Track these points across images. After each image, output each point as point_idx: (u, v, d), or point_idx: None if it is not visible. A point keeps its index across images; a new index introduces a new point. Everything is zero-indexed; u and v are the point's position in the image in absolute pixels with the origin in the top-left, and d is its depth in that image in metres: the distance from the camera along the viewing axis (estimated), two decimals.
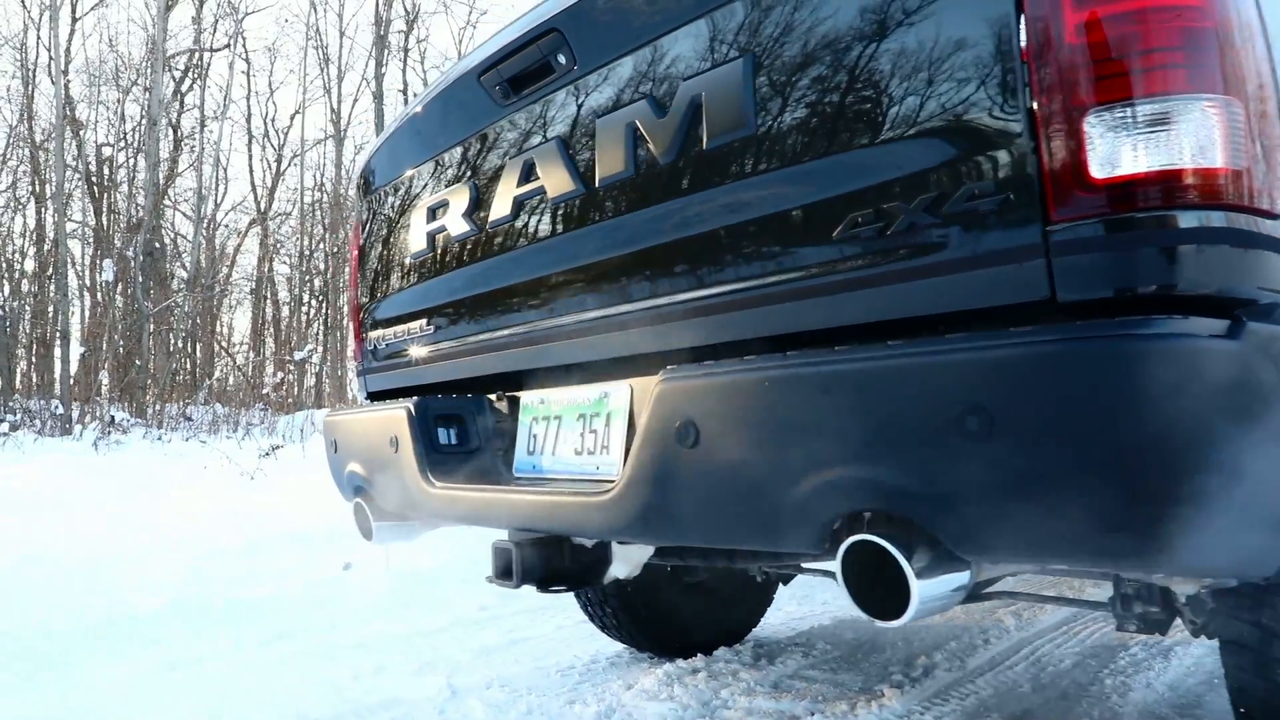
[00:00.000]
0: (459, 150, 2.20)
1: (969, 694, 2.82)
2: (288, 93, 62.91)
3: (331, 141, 26.66)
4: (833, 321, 1.32)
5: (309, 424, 14.33)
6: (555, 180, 1.86)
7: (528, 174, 1.94)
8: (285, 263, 27.81)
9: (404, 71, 28.07)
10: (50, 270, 20.75)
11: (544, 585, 1.93)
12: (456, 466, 2.10)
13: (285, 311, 27.42)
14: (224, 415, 16.34)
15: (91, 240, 22.98)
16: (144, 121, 20.54)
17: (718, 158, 1.53)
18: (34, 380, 20.40)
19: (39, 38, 23.14)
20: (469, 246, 2.15)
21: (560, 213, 1.86)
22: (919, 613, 1.18)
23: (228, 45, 25.73)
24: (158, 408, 15.76)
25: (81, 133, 22.67)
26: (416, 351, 2.36)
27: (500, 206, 2.02)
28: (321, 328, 25.41)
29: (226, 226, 26.69)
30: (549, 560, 1.84)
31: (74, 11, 22.90)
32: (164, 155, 22.16)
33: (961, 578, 1.24)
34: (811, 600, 4.30)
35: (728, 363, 1.40)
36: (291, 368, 21.37)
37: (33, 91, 22.58)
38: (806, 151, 1.39)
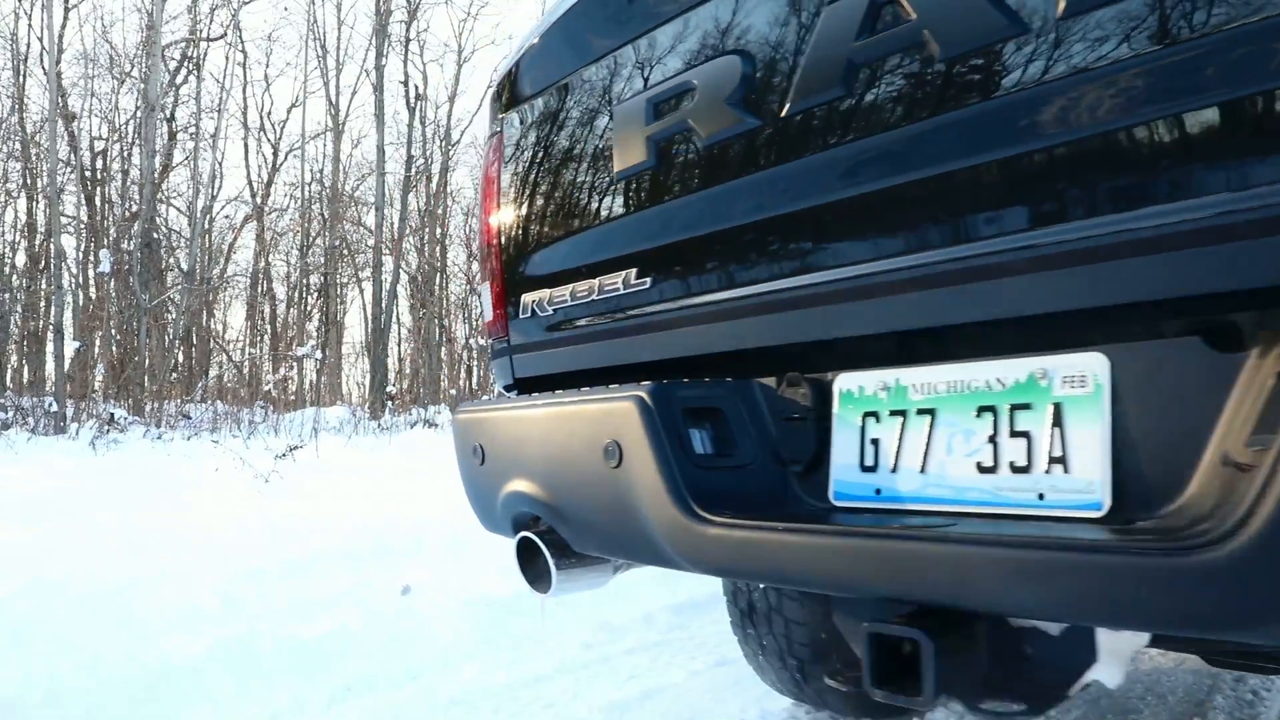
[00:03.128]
0: (709, 6, 1.45)
1: None
2: (284, 85, 61.93)
3: (330, 135, 25.79)
4: None
5: (319, 422, 13.56)
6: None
7: (855, 20, 1.20)
8: (283, 260, 27.02)
9: (405, 63, 27.29)
10: (43, 263, 19.95)
11: (973, 705, 1.18)
12: (722, 489, 1.35)
13: (282, 308, 26.60)
14: (224, 413, 15.58)
15: (84, 234, 22.14)
16: (140, 108, 19.70)
17: None
18: (25, 377, 19.56)
19: (30, 27, 22.32)
20: (739, 150, 1.40)
21: (956, 71, 1.12)
22: None
23: (224, 35, 24.94)
24: (156, 405, 14.97)
25: (75, 124, 21.83)
26: (621, 315, 1.62)
27: (808, 80, 1.27)
28: (323, 324, 24.61)
29: (227, 218, 25.85)
30: (970, 663, 1.08)
31: (66, 0, 22.06)
32: (159, 146, 21.31)
33: None
34: None
35: None
36: (294, 364, 20.59)
37: (24, 82, 21.76)
38: None
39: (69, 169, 21.26)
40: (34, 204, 22.06)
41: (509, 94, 1.94)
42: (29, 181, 22.08)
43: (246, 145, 27.16)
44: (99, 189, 22.50)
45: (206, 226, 23.70)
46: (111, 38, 28.23)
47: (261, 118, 33.37)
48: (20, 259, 22.17)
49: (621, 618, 3.74)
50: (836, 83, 1.24)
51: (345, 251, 25.25)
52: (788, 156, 1.32)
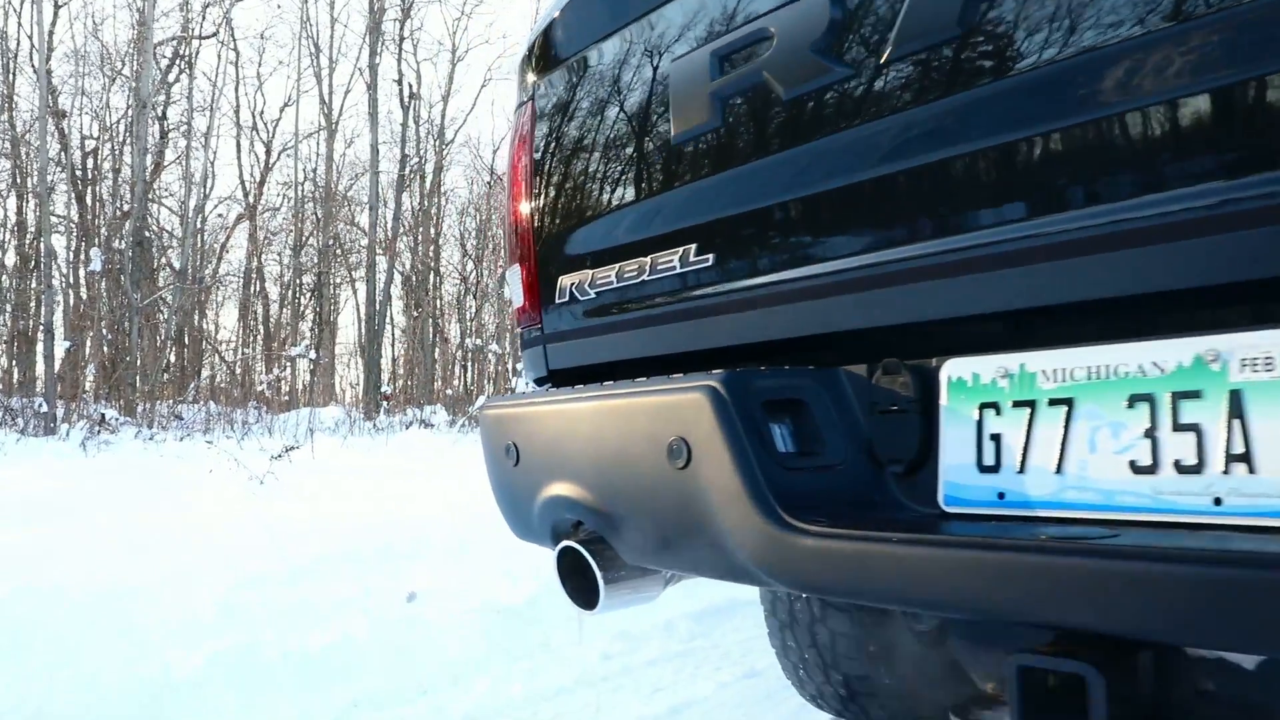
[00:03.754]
0: None
1: None
2: (276, 84, 61.55)
3: (323, 134, 25.53)
4: None
5: (314, 422, 13.36)
6: None
7: None
8: (275, 260, 26.79)
9: (399, 62, 27.09)
10: (33, 263, 19.69)
11: None
12: (810, 493, 1.18)
13: (275, 308, 26.36)
14: (217, 414, 15.36)
15: (75, 233, 21.87)
16: (133, 105, 19.45)
17: None
18: (14, 377, 19.29)
19: (20, 24, 22.06)
20: (827, 105, 1.23)
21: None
22: None
23: (216, 33, 24.70)
24: (148, 406, 14.73)
25: (65, 122, 21.58)
26: (678, 297, 1.45)
27: (915, 19, 1.11)
28: (317, 324, 24.38)
29: (220, 215, 25.60)
30: (1140, 701, 0.90)
31: None
32: (151, 144, 21.06)
33: None
34: None
35: None
36: (288, 364, 20.38)
37: (14, 80, 21.49)
38: None
39: (59, 168, 21.01)
40: (24, 203, 21.81)
41: (543, 56, 1.77)
42: (19, 180, 21.83)
43: (239, 144, 26.82)
44: (89, 188, 22.23)
45: (199, 226, 23.46)
46: (102, 35, 27.94)
47: (254, 116, 33.15)
48: (10, 258, 21.93)
49: (640, 625, 3.57)
50: (951, 21, 1.07)
51: (338, 251, 25.03)
52: (886, 110, 1.15)
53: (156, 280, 20.60)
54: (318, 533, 5.19)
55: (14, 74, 21.55)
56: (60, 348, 14.66)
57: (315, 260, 24.66)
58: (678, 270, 1.44)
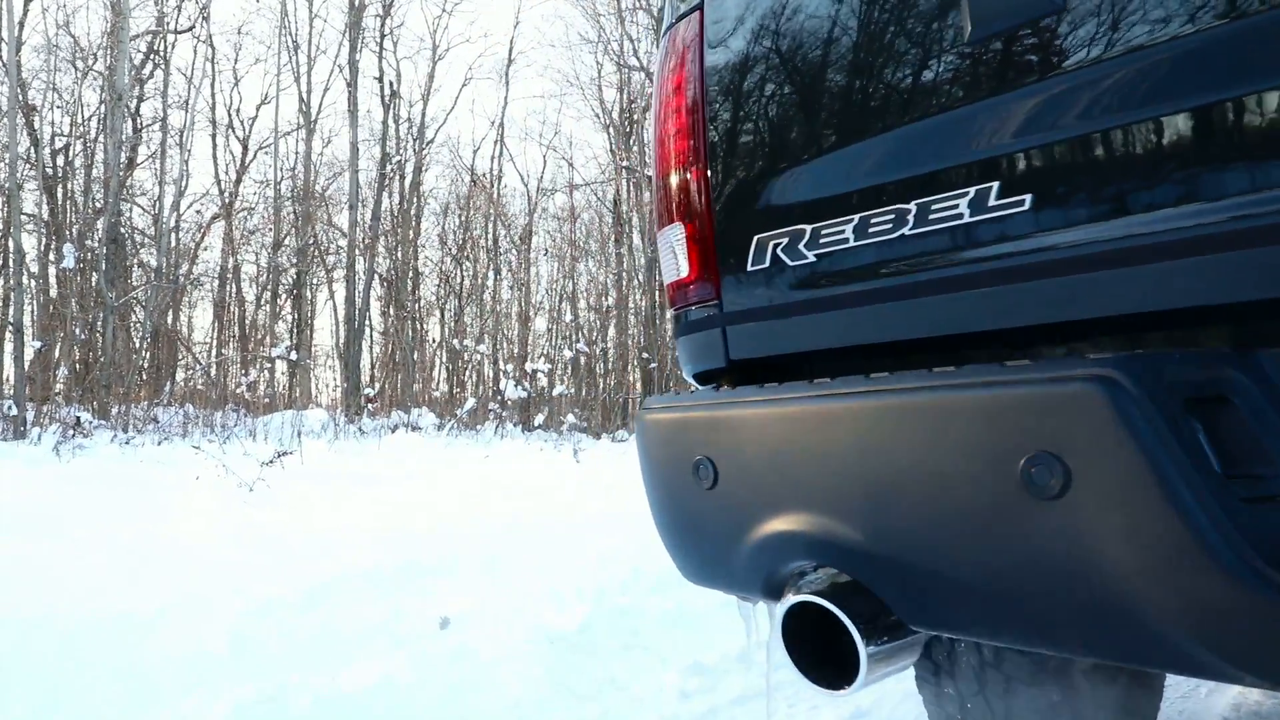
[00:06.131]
0: None
1: None
2: (253, 81, 60.57)
3: (301, 132, 24.89)
4: None
5: (300, 425, 12.84)
6: None
7: None
8: (252, 261, 26.12)
9: (379, 59, 26.56)
10: (2, 262, 18.99)
11: None
12: (1272, 533, 0.78)
13: (251, 309, 25.67)
14: (195, 416, 14.77)
15: (45, 232, 21.12)
16: (106, 99, 18.78)
17: None
18: None
19: None
20: None
21: None
22: None
23: (192, 28, 24.01)
24: (123, 409, 14.12)
25: (35, 116, 20.84)
26: (969, 253, 1.04)
27: None
28: (295, 325, 23.74)
29: (199, 211, 24.90)
30: None
31: None
32: (125, 138, 20.36)
33: None
34: None
35: None
36: (268, 365, 19.78)
37: None
38: None
39: (29, 165, 20.28)
40: None
41: None
42: None
43: (215, 142, 26.04)
44: (60, 185, 21.50)
45: (173, 224, 22.76)
46: (74, 29, 27.13)
47: (230, 115, 32.36)
48: None
49: (710, 655, 3.16)
50: None
51: (315, 252, 24.42)
52: None
53: (130, 279, 19.92)
54: (326, 548, 4.73)
55: None
56: (30, 348, 14.02)
57: (294, 260, 24.06)
58: (966, 219, 1.03)
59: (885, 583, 0.99)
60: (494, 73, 40.22)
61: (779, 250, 1.23)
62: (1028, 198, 0.99)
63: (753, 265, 1.27)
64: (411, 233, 25.77)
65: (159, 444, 11.19)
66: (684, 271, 1.39)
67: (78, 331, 15.61)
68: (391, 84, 25.52)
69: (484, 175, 26.48)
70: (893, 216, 1.10)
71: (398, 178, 25.49)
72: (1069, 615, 0.85)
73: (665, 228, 1.43)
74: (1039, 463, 0.84)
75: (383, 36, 25.54)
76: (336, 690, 2.64)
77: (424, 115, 25.98)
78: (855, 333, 1.16)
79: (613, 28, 23.75)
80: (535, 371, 18.14)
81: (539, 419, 15.79)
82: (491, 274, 25.04)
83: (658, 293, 21.64)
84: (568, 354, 21.24)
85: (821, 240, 1.18)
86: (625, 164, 22.74)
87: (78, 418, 10.55)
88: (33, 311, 18.48)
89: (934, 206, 1.06)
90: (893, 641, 1.06)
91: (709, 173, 1.33)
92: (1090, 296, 0.95)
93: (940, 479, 0.91)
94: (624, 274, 23.11)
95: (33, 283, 19.04)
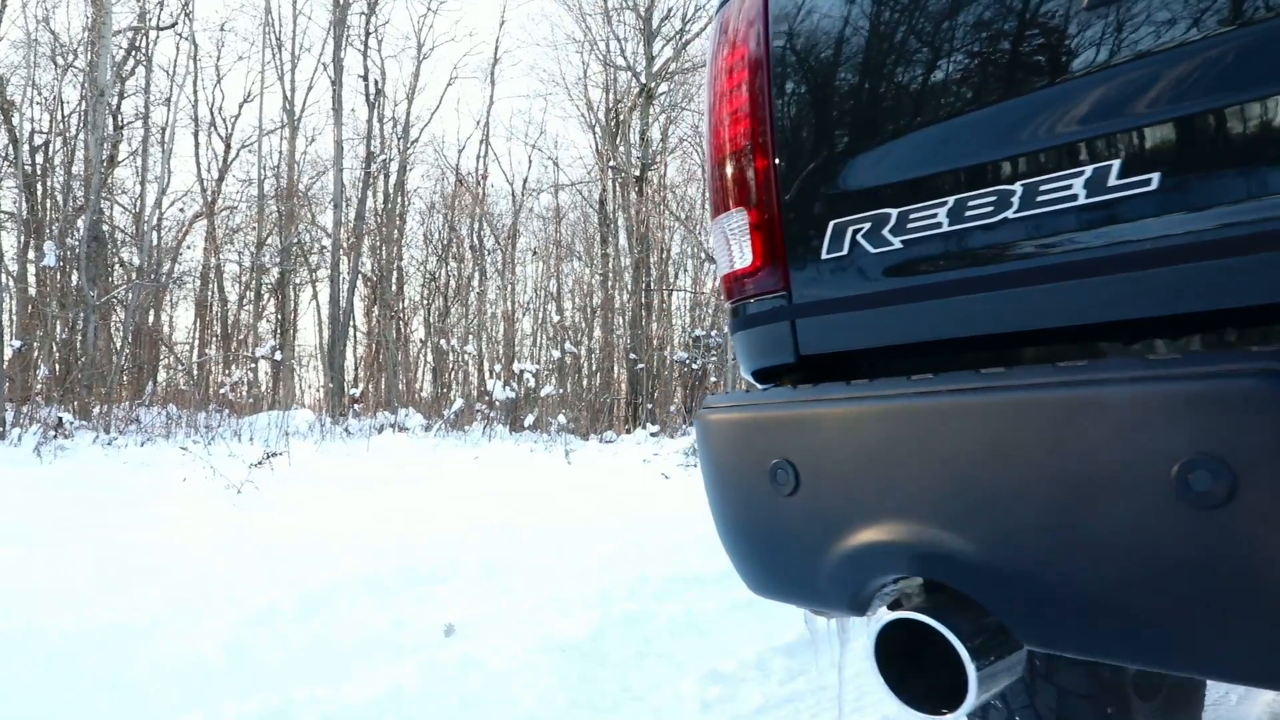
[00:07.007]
0: None
1: None
2: (236, 79, 60.01)
3: (284, 130, 24.63)
4: None
5: (287, 425, 12.65)
6: None
7: None
8: (235, 260, 25.83)
9: (364, 57, 26.34)
10: None
11: None
12: None
13: (233, 309, 25.38)
14: (178, 417, 14.54)
15: (24, 230, 20.80)
16: (88, 95, 18.51)
17: None
18: None
19: None
20: None
21: None
22: None
23: (175, 24, 23.73)
24: (104, 409, 13.89)
25: (14, 112, 20.52)
26: (1083, 238, 0.95)
27: None
28: (279, 324, 23.50)
29: (181, 210, 24.60)
30: None
31: None
32: (106, 133, 20.08)
33: None
34: None
35: None
36: (253, 365, 19.56)
37: None
38: None
39: (8, 162, 19.99)
40: None
41: None
42: None
43: (197, 140, 25.72)
44: (40, 183, 21.19)
45: (155, 223, 22.48)
46: (54, 24, 26.74)
47: (212, 113, 31.99)
48: None
49: (728, 662, 3.06)
50: None
51: (299, 251, 24.20)
52: None
53: (111, 278, 19.65)
54: (320, 553, 4.60)
55: None
56: (10, 347, 13.77)
57: (277, 259, 23.82)
58: (1082, 200, 0.94)
59: (1005, 599, 0.90)
60: (479, 72, 40.05)
61: (859, 236, 1.14)
62: (1154, 177, 0.90)
63: (828, 253, 1.18)
64: (396, 232, 25.59)
65: (141, 445, 10.99)
66: (745, 261, 1.29)
67: (58, 331, 15.36)
68: (376, 82, 25.33)
69: (469, 175, 26.30)
70: (994, 199, 1.01)
71: (382, 177, 25.31)
72: (1232, 636, 0.76)
73: (721, 215, 1.34)
74: (1198, 466, 0.75)
75: (368, 34, 25.33)
76: (343, 703, 2.52)
77: (409, 114, 25.79)
78: (948, 325, 1.07)
79: (599, 27, 23.65)
80: (523, 372, 18.00)
81: (528, 420, 15.65)
82: (477, 274, 24.88)
83: (643, 294, 21.54)
84: (555, 354, 21.09)
85: (910, 225, 1.09)
86: (612, 164, 22.64)
87: (59, 418, 10.34)
88: (12, 310, 18.19)
89: (1043, 188, 0.97)
90: (998, 660, 0.97)
91: (776, 155, 1.24)
92: (1229, 284, 0.86)
93: (1076, 487, 0.82)
94: (610, 274, 22.99)
95: (11, 281, 18.74)
